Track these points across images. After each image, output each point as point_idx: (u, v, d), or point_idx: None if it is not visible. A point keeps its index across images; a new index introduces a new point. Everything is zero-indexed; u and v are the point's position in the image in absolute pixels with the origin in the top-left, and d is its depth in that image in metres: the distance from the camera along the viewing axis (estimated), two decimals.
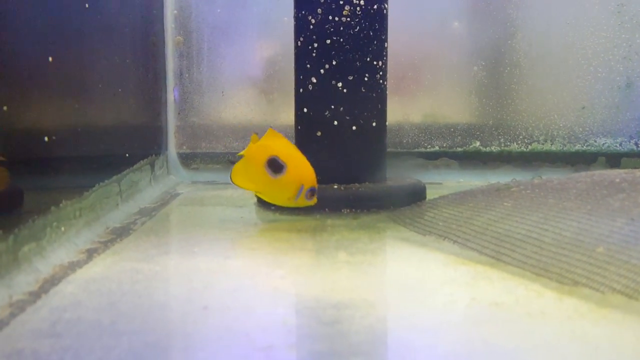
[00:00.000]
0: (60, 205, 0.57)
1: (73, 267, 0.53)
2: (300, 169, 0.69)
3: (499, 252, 0.56)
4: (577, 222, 0.55)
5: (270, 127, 0.73)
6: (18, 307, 0.43)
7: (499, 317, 0.43)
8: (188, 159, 1.06)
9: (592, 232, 0.52)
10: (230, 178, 0.71)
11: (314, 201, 0.70)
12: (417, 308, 0.45)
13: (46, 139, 0.55)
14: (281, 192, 0.69)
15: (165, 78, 1.02)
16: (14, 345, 0.37)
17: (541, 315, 0.43)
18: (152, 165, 0.91)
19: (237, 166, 0.72)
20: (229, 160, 1.05)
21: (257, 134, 0.72)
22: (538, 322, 0.42)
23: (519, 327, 0.41)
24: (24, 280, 0.47)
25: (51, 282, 0.49)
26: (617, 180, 0.61)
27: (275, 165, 0.69)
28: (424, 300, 0.46)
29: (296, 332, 0.41)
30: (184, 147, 1.06)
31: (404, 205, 0.76)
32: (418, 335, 0.40)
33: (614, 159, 1.02)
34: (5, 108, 0.47)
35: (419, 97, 1.04)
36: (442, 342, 0.39)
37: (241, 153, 0.72)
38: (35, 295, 0.46)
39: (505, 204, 0.63)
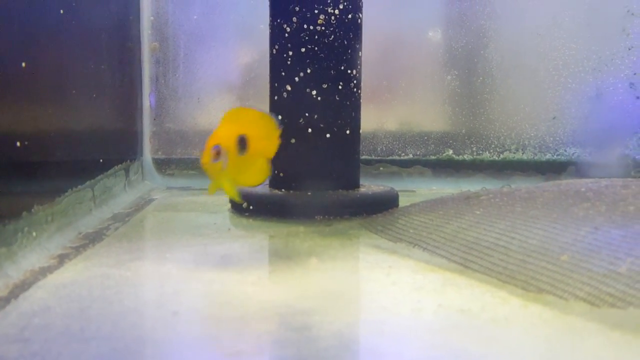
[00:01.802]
0: (32, 210, 0.57)
1: (44, 272, 0.53)
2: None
3: (467, 259, 0.57)
4: (543, 231, 0.56)
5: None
6: None
7: (465, 324, 0.44)
8: (163, 165, 1.06)
9: (557, 241, 0.53)
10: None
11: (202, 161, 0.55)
12: (385, 314, 0.46)
13: (18, 143, 0.55)
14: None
15: (141, 84, 1.02)
16: None
17: (506, 321, 0.44)
18: (127, 171, 0.92)
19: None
20: None
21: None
22: (503, 329, 0.43)
23: (484, 333, 0.42)
24: None
25: (21, 287, 0.49)
26: (583, 189, 0.62)
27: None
28: (393, 306, 0.47)
29: (265, 338, 0.41)
30: (159, 153, 1.06)
31: (376, 212, 0.77)
32: (385, 341, 0.41)
33: (583, 168, 1.03)
34: None
35: (393, 105, 1.06)
36: (408, 347, 0.40)
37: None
38: (5, 301, 0.46)
39: (475, 212, 0.64)
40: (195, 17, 1.05)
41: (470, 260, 0.56)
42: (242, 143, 0.57)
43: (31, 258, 0.54)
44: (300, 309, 0.45)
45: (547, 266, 0.51)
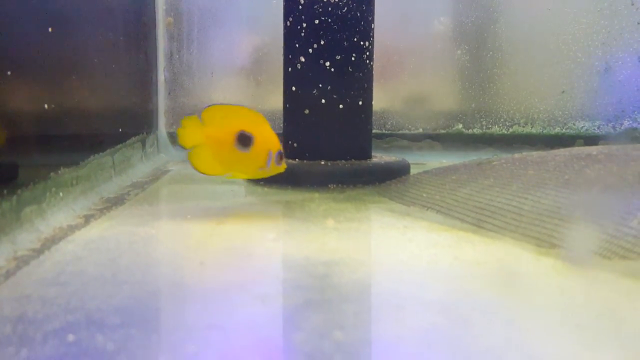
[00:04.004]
0: (59, 172, 0.59)
1: (72, 229, 0.54)
2: (266, 135, 0.65)
3: (480, 220, 0.58)
4: (555, 191, 0.57)
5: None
6: (23, 261, 0.45)
7: (481, 274, 0.45)
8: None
9: (569, 200, 0.55)
10: (197, 169, 0.65)
11: (283, 166, 0.67)
12: (403, 265, 0.47)
13: (46, 106, 0.57)
14: (252, 164, 0.65)
15: (156, 59, 1.04)
16: (22, 291, 0.39)
17: (520, 272, 0.46)
18: (144, 143, 0.93)
19: (199, 154, 0.65)
20: None
21: (195, 115, 0.65)
22: (517, 278, 0.45)
23: (499, 281, 0.44)
24: (26, 238, 0.49)
25: (52, 241, 0.50)
26: (594, 153, 0.63)
27: (244, 139, 0.64)
28: (410, 259, 0.49)
29: (289, 284, 0.43)
30: (174, 127, 1.08)
31: (389, 181, 0.78)
32: (404, 286, 0.43)
33: (592, 142, 1.05)
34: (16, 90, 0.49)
35: (403, 80, 1.07)
36: (427, 291, 0.42)
37: (192, 144, 0.65)
38: (38, 252, 0.47)
39: (487, 176, 0.66)
40: None
41: (484, 220, 0.58)
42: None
43: (59, 216, 0.56)
44: (320, 261, 0.47)
45: (559, 223, 0.52)
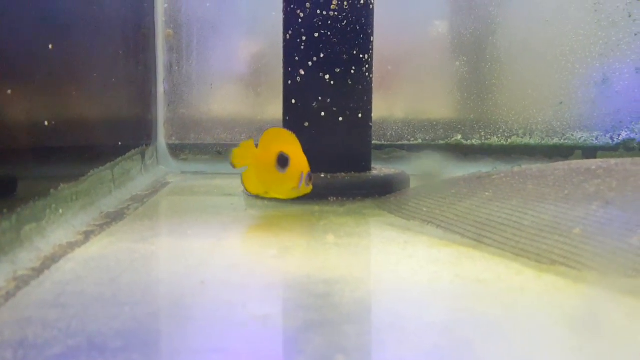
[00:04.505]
0: (59, 188, 0.58)
1: (72, 246, 0.54)
2: (299, 157, 0.70)
3: (480, 235, 0.58)
4: (555, 206, 0.57)
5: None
6: (23, 281, 0.45)
7: (481, 292, 0.45)
8: (177, 150, 1.07)
9: (569, 215, 0.55)
10: (246, 189, 0.75)
11: (310, 187, 0.70)
12: (404, 284, 0.47)
13: (46, 123, 0.57)
14: (286, 184, 0.70)
15: (155, 70, 1.04)
16: (22, 314, 0.39)
17: (521, 290, 0.46)
18: (143, 155, 0.93)
19: (248, 175, 0.74)
20: (217, 151, 1.07)
21: (251, 138, 0.75)
22: (518, 296, 0.44)
23: (500, 300, 0.44)
24: (26, 257, 0.49)
25: (52, 259, 0.50)
26: (593, 167, 0.63)
27: (283, 161, 0.70)
28: (411, 277, 0.49)
29: (290, 304, 0.43)
30: (173, 139, 1.07)
31: (388, 194, 0.78)
32: (406, 306, 0.43)
33: (590, 153, 1.05)
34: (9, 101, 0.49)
35: (402, 91, 1.07)
36: (429, 311, 0.42)
37: (241, 165, 0.74)
38: (38, 271, 0.47)
39: (487, 190, 0.66)
40: (208, 4, 1.06)
41: (484, 235, 0.58)
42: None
43: (59, 233, 0.56)
44: (321, 279, 0.47)
45: (559, 239, 0.52)
